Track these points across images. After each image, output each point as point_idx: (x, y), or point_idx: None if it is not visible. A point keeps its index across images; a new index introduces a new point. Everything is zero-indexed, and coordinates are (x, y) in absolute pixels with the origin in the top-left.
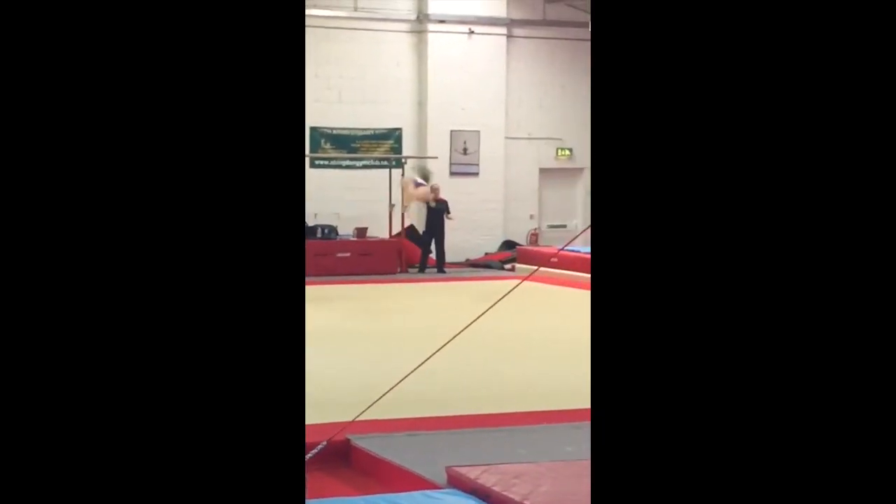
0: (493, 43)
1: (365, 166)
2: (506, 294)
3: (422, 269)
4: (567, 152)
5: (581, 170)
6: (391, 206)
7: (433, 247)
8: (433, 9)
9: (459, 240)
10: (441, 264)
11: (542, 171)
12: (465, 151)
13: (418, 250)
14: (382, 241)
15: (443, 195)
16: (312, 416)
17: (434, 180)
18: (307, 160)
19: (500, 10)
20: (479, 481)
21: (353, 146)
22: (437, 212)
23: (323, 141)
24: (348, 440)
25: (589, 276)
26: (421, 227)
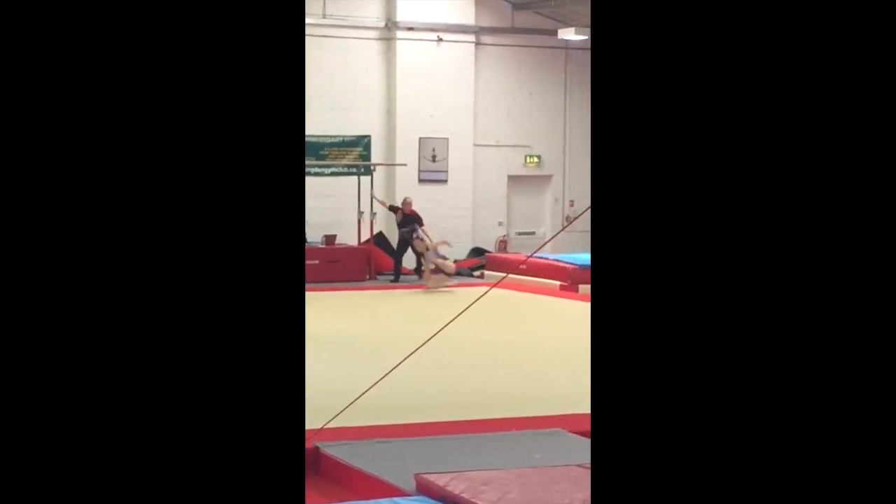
0: (461, 50)
1: (333, 173)
2: (473, 302)
3: (396, 279)
4: (535, 160)
5: (549, 177)
6: (360, 213)
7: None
8: (402, 16)
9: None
10: (419, 271)
11: (511, 178)
12: (433, 159)
13: (387, 258)
14: (351, 249)
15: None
16: None
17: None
18: None
19: (468, 18)
20: (448, 488)
21: (321, 153)
22: (407, 225)
23: None
24: (317, 448)
25: (557, 282)
26: (390, 235)
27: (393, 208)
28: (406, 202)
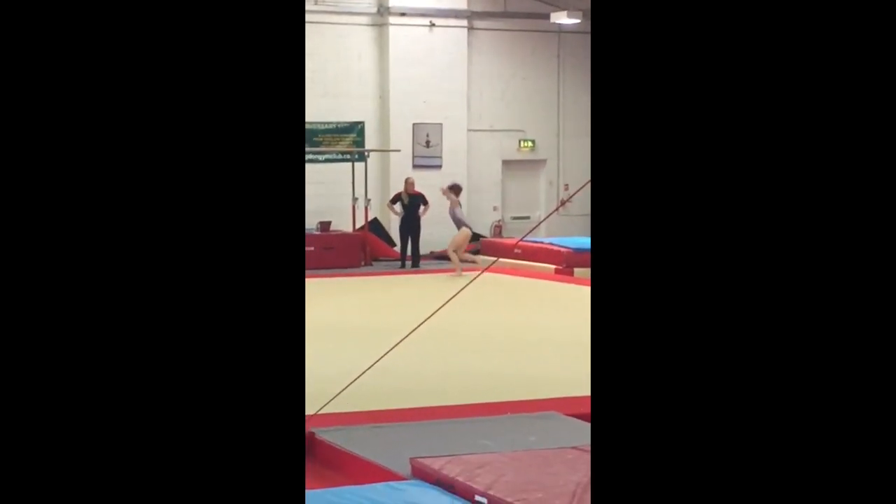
0: (454, 35)
1: (327, 160)
2: (465, 286)
3: (403, 265)
4: (529, 144)
5: (543, 161)
6: (354, 199)
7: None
8: (394, 1)
9: (424, 232)
10: (416, 259)
11: (505, 162)
12: (427, 144)
13: (382, 244)
14: (346, 235)
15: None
16: None
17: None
18: None
19: (460, 2)
20: (443, 472)
21: (315, 140)
22: (412, 207)
23: None
24: (312, 433)
25: (552, 266)
26: (384, 221)
27: (395, 198)
28: (408, 182)
